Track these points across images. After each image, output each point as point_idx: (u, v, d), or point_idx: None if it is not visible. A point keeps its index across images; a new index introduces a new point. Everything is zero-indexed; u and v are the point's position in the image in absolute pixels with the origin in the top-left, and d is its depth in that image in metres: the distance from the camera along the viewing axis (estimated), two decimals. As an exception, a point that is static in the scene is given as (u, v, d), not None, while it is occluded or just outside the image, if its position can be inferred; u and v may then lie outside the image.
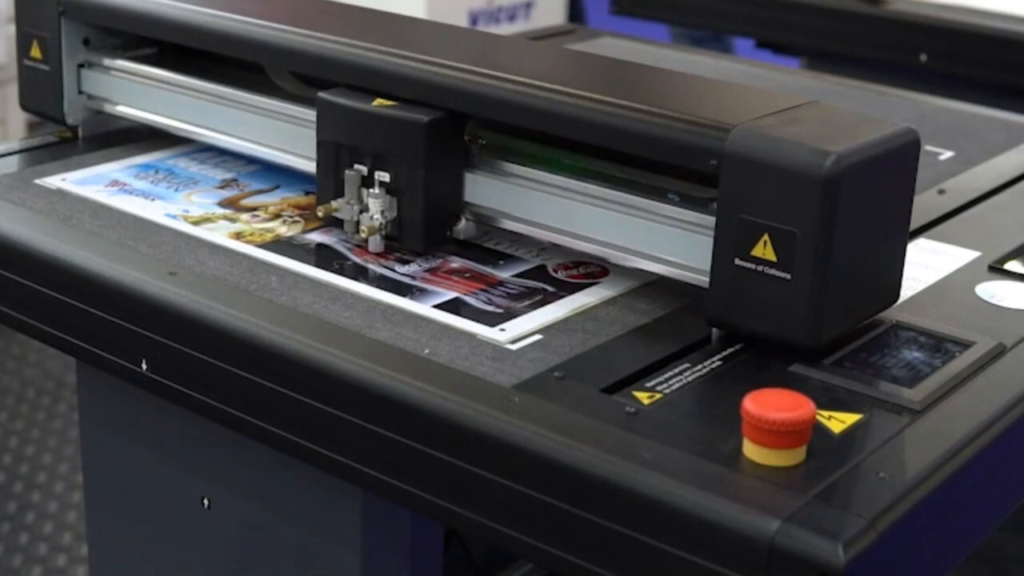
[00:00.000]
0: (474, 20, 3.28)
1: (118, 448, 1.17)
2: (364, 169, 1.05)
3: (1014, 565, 1.60)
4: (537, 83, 1.00)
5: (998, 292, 1.03)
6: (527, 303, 0.99)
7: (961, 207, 1.22)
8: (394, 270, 1.03)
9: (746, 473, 0.77)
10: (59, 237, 1.06)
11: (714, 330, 0.94)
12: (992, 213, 1.21)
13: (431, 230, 1.04)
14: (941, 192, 1.25)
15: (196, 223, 1.11)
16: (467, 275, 1.03)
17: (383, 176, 1.04)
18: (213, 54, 1.22)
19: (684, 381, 0.88)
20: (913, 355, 0.92)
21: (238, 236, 1.09)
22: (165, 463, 1.13)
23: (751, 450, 0.78)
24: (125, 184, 1.19)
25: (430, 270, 1.03)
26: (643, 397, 0.85)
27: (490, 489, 0.82)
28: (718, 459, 0.78)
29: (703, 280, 0.94)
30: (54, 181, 1.18)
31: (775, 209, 0.87)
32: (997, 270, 1.07)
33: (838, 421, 0.83)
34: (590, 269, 1.05)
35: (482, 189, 1.05)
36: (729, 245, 0.89)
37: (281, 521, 1.05)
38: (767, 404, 0.77)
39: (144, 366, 0.99)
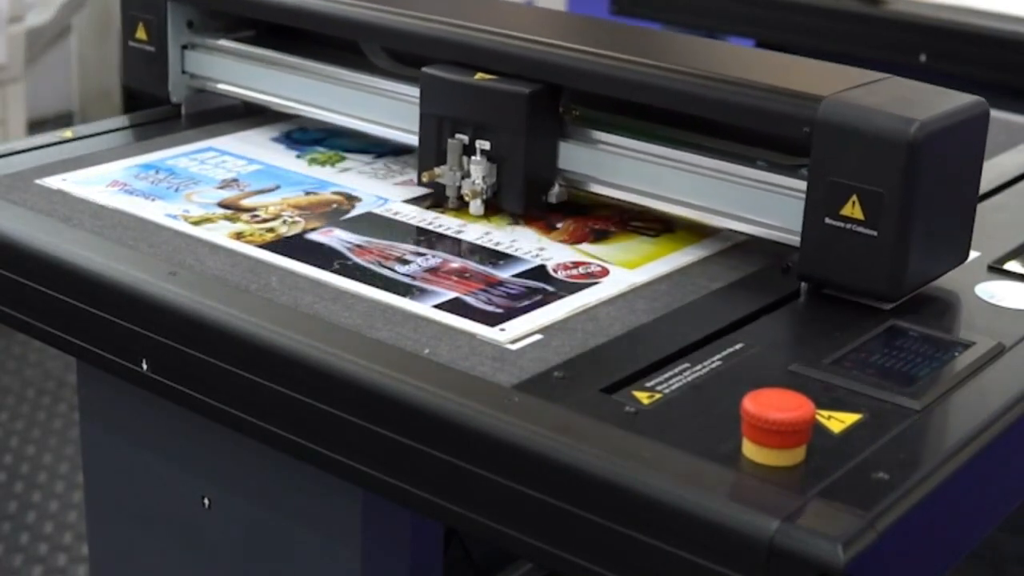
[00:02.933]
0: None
1: (118, 448, 1.17)
2: (465, 138, 1.13)
3: (1014, 565, 1.60)
4: (636, 58, 1.08)
5: (998, 292, 1.03)
6: (527, 303, 0.99)
7: (961, 207, 1.22)
8: (394, 270, 1.03)
9: (746, 473, 0.77)
10: (60, 237, 1.06)
11: (803, 284, 1.01)
12: (992, 213, 1.21)
13: (529, 194, 1.13)
14: (941, 192, 1.25)
15: (196, 223, 1.11)
16: (467, 275, 1.03)
17: (484, 145, 1.12)
18: (308, 36, 1.32)
19: (684, 381, 0.88)
20: (912, 355, 0.92)
21: (238, 236, 1.09)
22: (165, 463, 1.13)
23: (751, 450, 0.78)
24: (125, 184, 1.19)
25: (430, 270, 1.04)
26: (643, 397, 0.85)
27: (490, 489, 0.82)
28: (718, 459, 0.78)
29: (790, 239, 1.02)
30: (55, 181, 1.18)
31: (863, 172, 0.95)
32: (997, 270, 1.07)
33: (838, 421, 0.83)
34: (590, 269, 1.05)
35: (575, 156, 1.14)
36: (820, 205, 0.97)
37: (281, 521, 1.05)
38: (767, 404, 0.77)
39: (144, 366, 0.99)
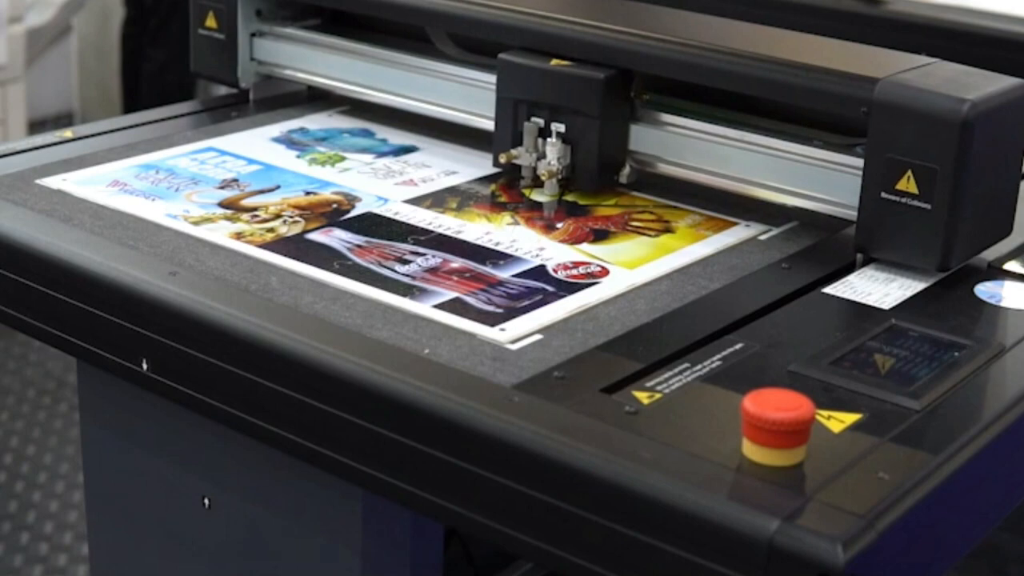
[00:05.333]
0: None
1: (118, 448, 1.17)
2: (541, 122, 1.19)
3: (1014, 565, 1.60)
4: (705, 44, 1.15)
5: (998, 292, 1.03)
6: (527, 303, 0.99)
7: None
8: (394, 270, 1.03)
9: (746, 473, 0.77)
10: (60, 237, 1.06)
11: (859, 255, 1.07)
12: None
13: (602, 174, 1.19)
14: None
15: (196, 223, 1.11)
16: (467, 275, 1.03)
17: (559, 127, 1.19)
18: (368, 24, 1.41)
19: (684, 381, 0.88)
20: (912, 355, 0.92)
21: (238, 236, 1.09)
22: (165, 463, 1.13)
23: (751, 450, 0.78)
24: (126, 184, 1.19)
25: (430, 270, 1.04)
26: (643, 397, 0.85)
27: (490, 489, 0.82)
28: (718, 459, 0.78)
29: (846, 213, 1.09)
30: (55, 181, 1.18)
31: (918, 149, 1.01)
32: (997, 270, 1.07)
33: (838, 421, 0.83)
34: (590, 269, 1.05)
35: (645, 138, 1.20)
36: (877, 181, 1.03)
37: (281, 521, 1.05)
38: (767, 404, 0.77)
39: (144, 366, 0.99)
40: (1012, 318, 0.99)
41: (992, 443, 0.84)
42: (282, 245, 1.07)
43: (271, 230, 1.10)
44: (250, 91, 1.43)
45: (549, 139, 1.19)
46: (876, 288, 1.02)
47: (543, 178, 1.19)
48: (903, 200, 1.02)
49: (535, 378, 0.88)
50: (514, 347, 0.92)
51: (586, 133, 1.18)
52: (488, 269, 1.04)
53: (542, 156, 1.19)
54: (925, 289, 1.03)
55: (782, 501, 0.74)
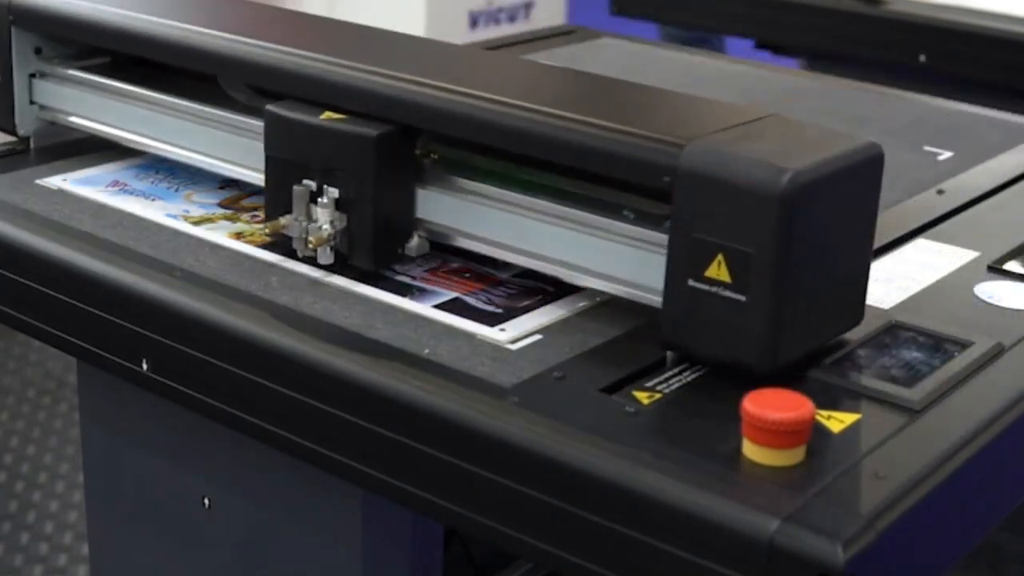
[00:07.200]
0: (474, 21, 3.28)
1: (118, 448, 1.17)
2: (313, 184, 1.01)
3: (1013, 565, 1.60)
4: (488, 96, 0.96)
5: (997, 292, 1.03)
6: (527, 303, 0.99)
7: (960, 207, 1.22)
8: (394, 270, 1.03)
9: (746, 473, 0.77)
10: (60, 237, 1.06)
11: (668, 352, 0.90)
12: (991, 213, 1.21)
13: (381, 247, 1.01)
14: (940, 192, 1.25)
15: (196, 223, 1.11)
16: (467, 275, 1.03)
17: (333, 192, 1.00)
18: (166, 64, 1.17)
19: (684, 381, 0.88)
20: (912, 355, 0.92)
21: (238, 236, 1.09)
22: (165, 463, 1.13)
23: (751, 450, 0.78)
24: (126, 184, 1.19)
25: (430, 270, 1.04)
26: (643, 397, 0.85)
27: (490, 489, 0.82)
28: (718, 459, 0.78)
29: (656, 300, 0.90)
30: (55, 181, 1.18)
31: (729, 228, 0.83)
32: (996, 270, 1.07)
33: (837, 421, 0.83)
34: (590, 269, 1.04)
35: (434, 205, 1.02)
36: (682, 265, 0.86)
37: (281, 521, 1.06)
38: (766, 404, 0.77)
39: (145, 366, 0.99)
40: (1012, 318, 0.99)
41: (992, 443, 0.84)
42: (282, 245, 1.07)
43: (271, 230, 1.10)
44: (30, 139, 1.26)
45: (320, 199, 1.00)
46: (876, 288, 1.02)
47: (311, 245, 1.00)
48: (713, 289, 0.85)
49: (535, 378, 0.88)
50: (514, 347, 0.92)
51: (361, 199, 0.99)
52: (488, 269, 1.04)
53: (314, 221, 1.01)
54: (925, 289, 1.03)
55: (782, 501, 0.74)
